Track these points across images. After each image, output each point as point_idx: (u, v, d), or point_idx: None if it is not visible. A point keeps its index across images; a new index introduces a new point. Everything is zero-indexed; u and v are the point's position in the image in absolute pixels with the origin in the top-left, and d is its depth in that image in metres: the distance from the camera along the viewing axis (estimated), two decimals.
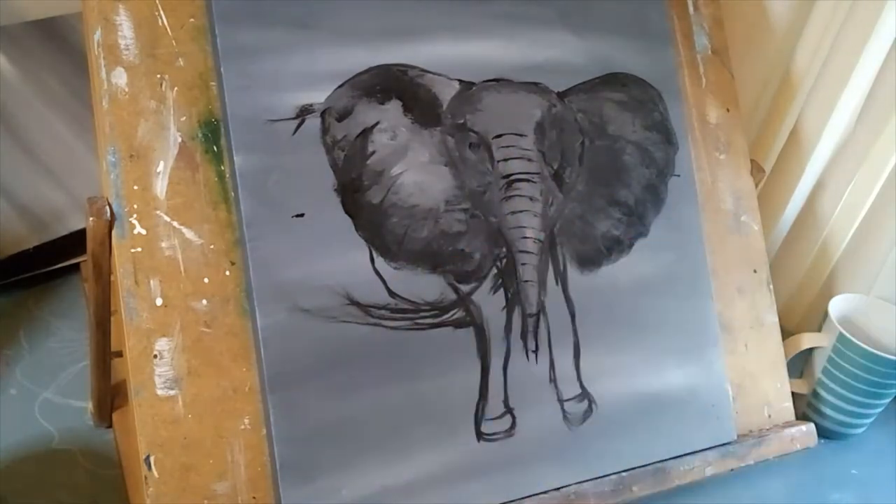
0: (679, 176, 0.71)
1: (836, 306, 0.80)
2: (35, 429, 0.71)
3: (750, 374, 0.73)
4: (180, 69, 0.56)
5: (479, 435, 0.62)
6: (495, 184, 0.63)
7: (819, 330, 0.80)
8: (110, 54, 0.54)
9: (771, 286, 0.75)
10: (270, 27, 0.57)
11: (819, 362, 0.79)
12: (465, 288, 0.62)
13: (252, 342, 0.56)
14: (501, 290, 0.63)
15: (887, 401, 0.79)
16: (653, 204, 0.69)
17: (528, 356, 0.64)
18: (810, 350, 0.80)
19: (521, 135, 0.63)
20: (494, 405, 0.62)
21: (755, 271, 0.75)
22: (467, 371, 0.62)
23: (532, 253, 0.63)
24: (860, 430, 0.82)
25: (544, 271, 0.64)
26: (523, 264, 0.63)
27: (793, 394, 0.76)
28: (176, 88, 0.56)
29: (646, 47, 0.70)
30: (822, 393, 0.79)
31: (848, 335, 0.75)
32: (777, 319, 0.75)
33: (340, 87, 0.59)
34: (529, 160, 0.63)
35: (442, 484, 0.60)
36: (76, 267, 0.84)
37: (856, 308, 0.81)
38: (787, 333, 0.78)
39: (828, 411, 0.80)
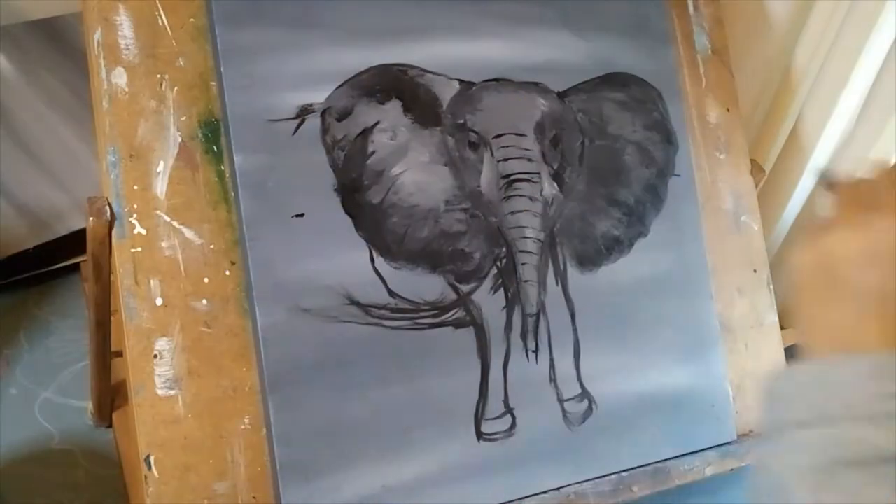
0: (679, 176, 0.71)
1: None
2: (35, 429, 0.71)
3: (750, 374, 0.73)
4: (180, 69, 0.56)
5: (480, 435, 0.62)
6: (495, 184, 0.62)
7: None
8: (110, 54, 0.54)
9: (771, 286, 0.75)
10: (270, 27, 0.57)
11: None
12: (465, 288, 0.62)
13: (252, 342, 0.56)
14: (501, 289, 0.63)
15: None
16: (653, 204, 0.69)
17: (528, 356, 0.63)
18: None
19: (521, 135, 0.63)
20: (494, 405, 0.62)
21: (755, 271, 0.75)
22: (467, 371, 0.62)
23: (532, 253, 0.63)
24: None
25: (544, 271, 0.64)
26: (523, 264, 0.63)
27: None
28: (176, 88, 0.56)
29: (646, 47, 0.70)
30: None
31: None
32: (777, 319, 0.75)
33: (340, 87, 0.59)
34: (529, 160, 0.63)
35: (442, 484, 0.60)
36: (76, 267, 0.84)
37: None
38: None
39: None
